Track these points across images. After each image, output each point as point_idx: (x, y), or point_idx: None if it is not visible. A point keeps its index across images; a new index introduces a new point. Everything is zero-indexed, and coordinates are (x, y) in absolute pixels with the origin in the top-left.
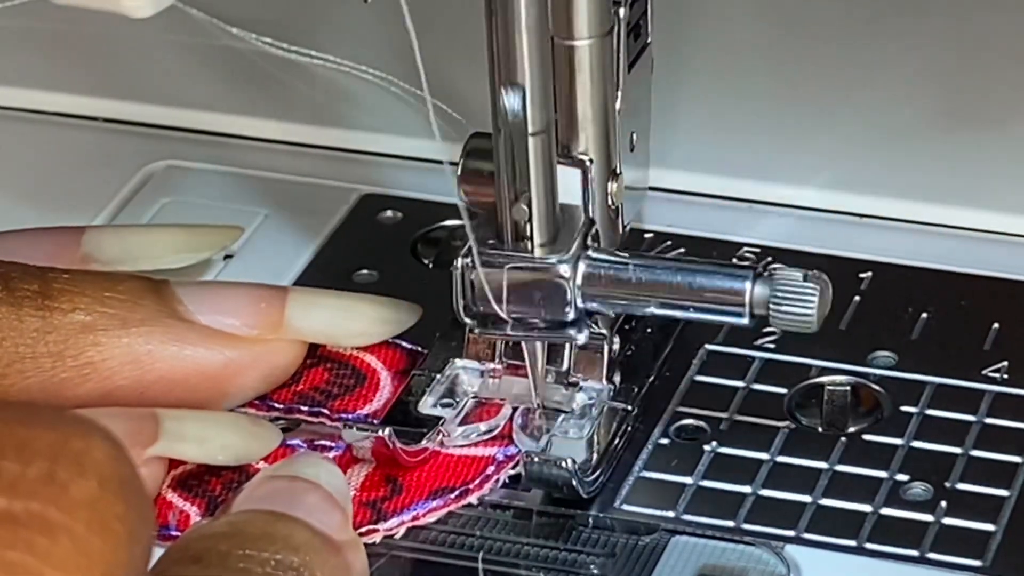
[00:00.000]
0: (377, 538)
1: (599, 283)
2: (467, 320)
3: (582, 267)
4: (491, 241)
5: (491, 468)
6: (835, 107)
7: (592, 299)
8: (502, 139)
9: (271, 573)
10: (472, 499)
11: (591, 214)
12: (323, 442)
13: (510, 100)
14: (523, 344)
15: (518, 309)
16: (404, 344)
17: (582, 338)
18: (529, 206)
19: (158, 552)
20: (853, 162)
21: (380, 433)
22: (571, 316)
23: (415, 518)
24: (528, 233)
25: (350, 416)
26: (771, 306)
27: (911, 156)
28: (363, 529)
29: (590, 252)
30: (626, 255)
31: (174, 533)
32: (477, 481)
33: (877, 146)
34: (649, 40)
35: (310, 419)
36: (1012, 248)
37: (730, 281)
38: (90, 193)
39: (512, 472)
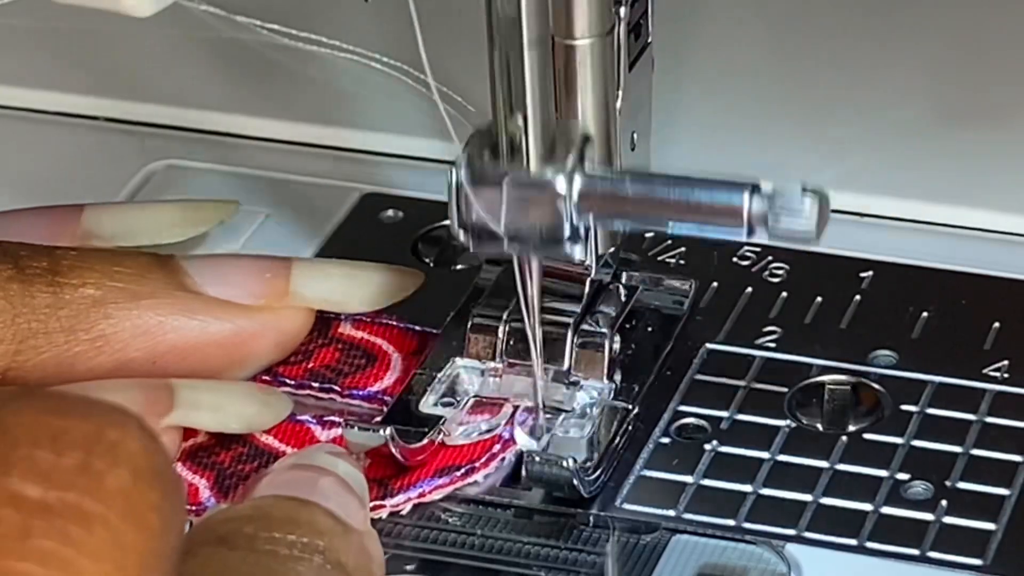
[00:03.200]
0: (384, 513)
1: (595, 198)
2: (460, 236)
3: (578, 182)
4: (487, 156)
5: (497, 447)
6: (835, 106)
7: (588, 214)
8: (497, 52)
9: (298, 555)
10: (479, 477)
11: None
12: (331, 418)
13: (505, 8)
14: (516, 265)
15: (513, 225)
16: (415, 327)
17: (578, 253)
18: (524, 121)
19: None
20: (854, 161)
21: (381, 433)
22: (567, 232)
23: (422, 495)
24: (524, 148)
25: (361, 392)
26: (770, 219)
27: (912, 155)
28: (370, 505)
29: (586, 167)
30: (623, 170)
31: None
32: (483, 459)
33: (878, 145)
34: (650, 40)
35: (321, 395)
36: (1013, 247)
37: (728, 195)
38: (91, 193)
39: (515, 455)
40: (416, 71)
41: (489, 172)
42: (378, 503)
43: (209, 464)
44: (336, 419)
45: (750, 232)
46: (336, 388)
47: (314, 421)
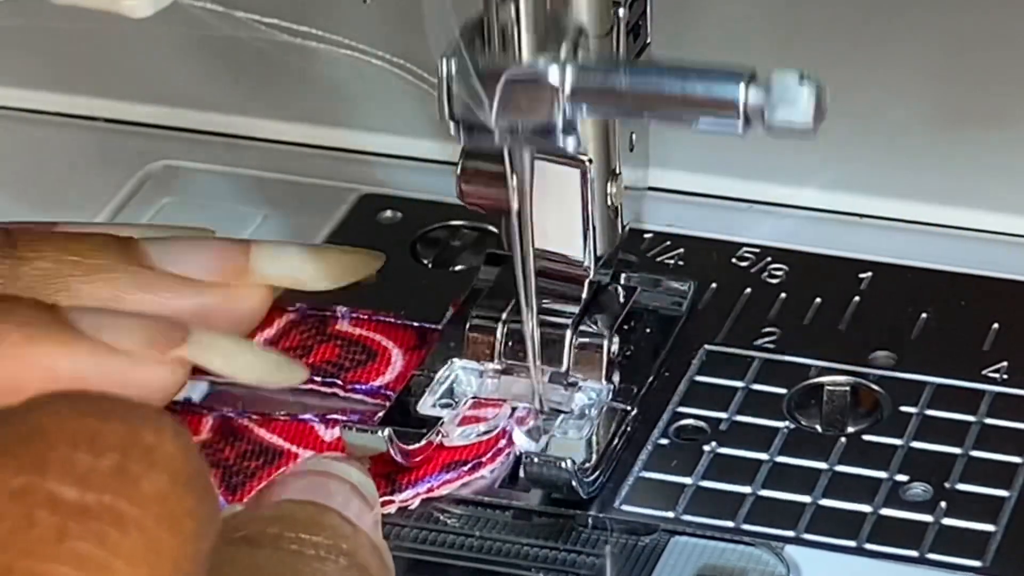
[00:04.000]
0: (392, 509)
1: (589, 89)
2: (451, 126)
3: (571, 73)
4: (478, 46)
5: (503, 442)
6: (835, 107)
7: (582, 105)
8: None
9: (323, 556)
10: (485, 472)
11: (591, 214)
12: (335, 416)
13: None
14: (509, 160)
15: (506, 117)
16: (412, 323)
17: (571, 144)
18: (516, 9)
19: None
20: (853, 162)
21: (380, 434)
22: (559, 123)
23: (430, 490)
24: (515, 38)
25: (364, 387)
26: (766, 111)
27: (911, 156)
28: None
29: (579, 58)
30: (617, 62)
31: None
32: (489, 454)
33: (877, 146)
34: (649, 40)
35: (323, 389)
36: (1012, 248)
37: (723, 85)
38: (90, 193)
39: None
40: (418, 70)
41: (480, 63)
42: (387, 498)
43: (215, 461)
44: (340, 417)
45: (746, 123)
46: (339, 382)
47: (317, 419)
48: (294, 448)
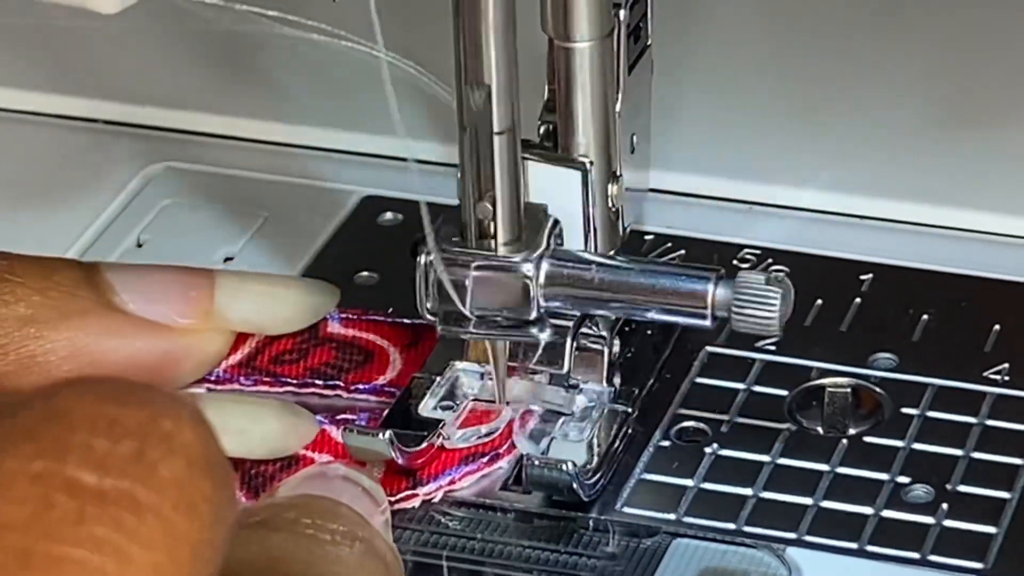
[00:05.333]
0: (416, 502)
1: (562, 282)
2: (429, 317)
3: (545, 266)
4: (455, 239)
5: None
6: (836, 109)
7: (555, 298)
8: (467, 137)
9: (339, 542)
10: (503, 463)
11: (591, 216)
12: (345, 416)
13: (475, 99)
14: (487, 343)
15: (481, 307)
16: (404, 320)
17: (544, 337)
18: (493, 205)
19: None
20: (854, 164)
21: (380, 436)
22: (533, 315)
23: (451, 482)
24: (492, 232)
25: (367, 387)
26: (733, 309)
27: (912, 158)
28: (402, 495)
29: (554, 252)
30: (589, 255)
31: None
32: (506, 446)
33: (878, 148)
34: (649, 42)
35: (326, 392)
36: (1013, 250)
37: (692, 283)
38: (90, 196)
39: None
40: (419, 70)
41: (457, 255)
42: (410, 492)
43: (233, 464)
44: (350, 416)
45: (713, 319)
46: (340, 384)
47: (327, 420)
48: (310, 453)
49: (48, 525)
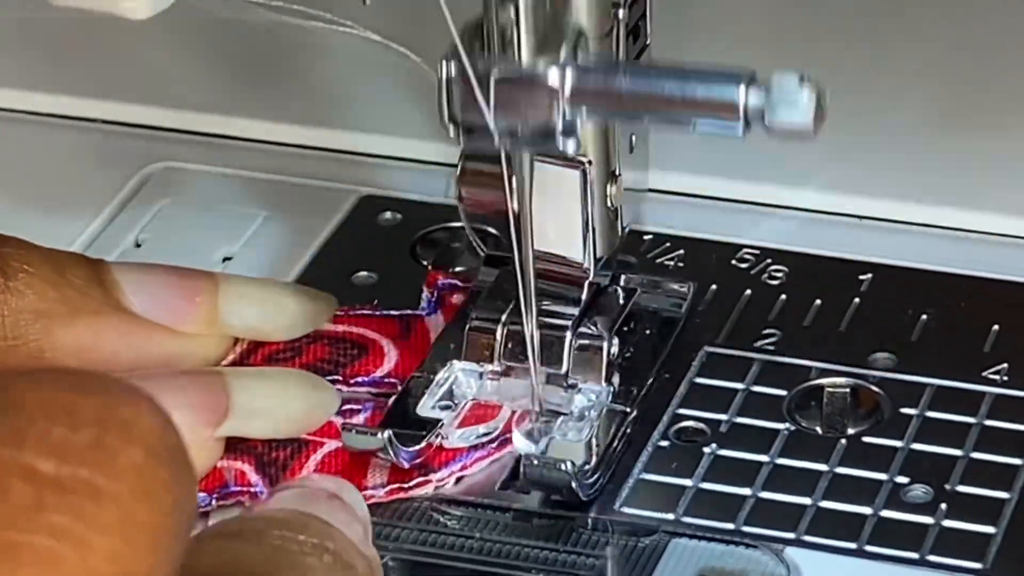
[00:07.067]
0: (430, 489)
1: (588, 91)
2: (450, 129)
3: (570, 74)
4: (478, 48)
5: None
6: (835, 109)
7: (581, 107)
8: None
9: (308, 552)
10: (512, 448)
11: (590, 216)
12: (350, 406)
13: None
14: (508, 163)
15: (505, 119)
16: (391, 312)
17: (571, 147)
18: (516, 11)
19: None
20: (853, 164)
21: (379, 436)
22: (559, 126)
23: (463, 467)
24: (515, 40)
25: (367, 379)
26: (766, 112)
27: (911, 158)
28: (415, 481)
29: (579, 59)
30: (616, 63)
31: (234, 489)
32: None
33: (877, 148)
34: (648, 42)
35: None
36: (1012, 250)
37: (723, 87)
38: (89, 195)
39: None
40: (417, 69)
41: (479, 65)
42: (423, 479)
43: (245, 449)
44: (356, 407)
45: (746, 126)
46: (339, 378)
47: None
48: (316, 437)
49: (6, 513)
